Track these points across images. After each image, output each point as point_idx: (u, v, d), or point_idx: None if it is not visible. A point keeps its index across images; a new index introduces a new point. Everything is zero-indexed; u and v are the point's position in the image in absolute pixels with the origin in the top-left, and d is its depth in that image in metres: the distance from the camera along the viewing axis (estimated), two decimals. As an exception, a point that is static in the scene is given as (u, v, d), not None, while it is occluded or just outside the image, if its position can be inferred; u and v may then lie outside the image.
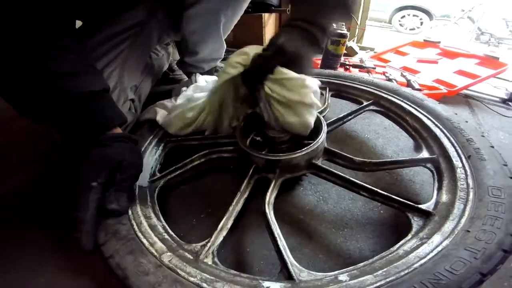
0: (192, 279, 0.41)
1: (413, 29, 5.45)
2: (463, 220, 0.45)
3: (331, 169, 0.60)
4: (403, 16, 5.51)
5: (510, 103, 1.17)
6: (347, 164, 0.64)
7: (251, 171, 0.62)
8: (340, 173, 0.58)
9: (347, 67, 1.35)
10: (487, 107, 1.14)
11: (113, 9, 0.81)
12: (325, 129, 0.65)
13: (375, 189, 0.54)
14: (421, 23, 5.39)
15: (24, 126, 1.02)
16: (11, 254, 0.58)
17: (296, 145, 0.67)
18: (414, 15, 5.44)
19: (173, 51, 1.28)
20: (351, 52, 1.65)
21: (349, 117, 0.80)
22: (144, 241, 0.47)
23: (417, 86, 1.13)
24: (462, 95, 1.22)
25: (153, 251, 0.46)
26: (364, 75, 0.94)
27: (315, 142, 0.61)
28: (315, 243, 0.59)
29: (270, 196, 0.57)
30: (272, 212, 0.54)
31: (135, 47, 0.87)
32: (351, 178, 0.57)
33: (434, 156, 0.61)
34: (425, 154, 0.64)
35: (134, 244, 0.46)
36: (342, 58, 1.35)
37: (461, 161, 0.57)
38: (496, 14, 4.68)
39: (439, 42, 1.57)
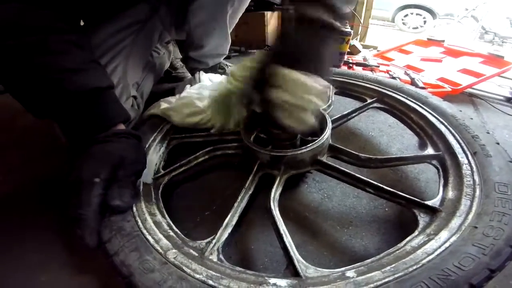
0: (197, 276, 0.41)
1: (416, 27, 5.42)
2: (470, 216, 0.45)
3: (336, 166, 0.60)
4: (406, 15, 5.48)
5: (514, 101, 1.17)
6: (352, 161, 0.64)
7: (255, 167, 0.61)
8: (346, 170, 0.58)
9: (351, 65, 1.35)
10: (492, 105, 1.14)
11: (116, 6, 0.81)
12: (330, 125, 0.64)
13: (381, 185, 0.54)
14: (425, 22, 5.36)
15: (25, 125, 1.02)
16: (12, 252, 0.58)
17: (301, 142, 0.66)
18: (417, 14, 5.40)
19: (174, 49, 1.28)
20: (354, 50, 1.65)
21: (353, 115, 0.80)
22: (149, 238, 0.47)
23: (421, 85, 1.13)
24: (467, 93, 1.21)
25: (158, 248, 0.45)
26: (368, 73, 0.94)
27: (320, 138, 0.61)
28: (319, 241, 0.58)
29: (275, 193, 0.56)
30: (277, 209, 0.53)
31: (138, 43, 0.87)
32: (356, 175, 0.57)
33: (439, 153, 0.61)
34: (430, 151, 0.63)
35: (139, 241, 0.46)
36: (346, 56, 1.35)
37: (467, 158, 0.56)
38: (500, 13, 4.65)
39: (443, 41, 1.57)
